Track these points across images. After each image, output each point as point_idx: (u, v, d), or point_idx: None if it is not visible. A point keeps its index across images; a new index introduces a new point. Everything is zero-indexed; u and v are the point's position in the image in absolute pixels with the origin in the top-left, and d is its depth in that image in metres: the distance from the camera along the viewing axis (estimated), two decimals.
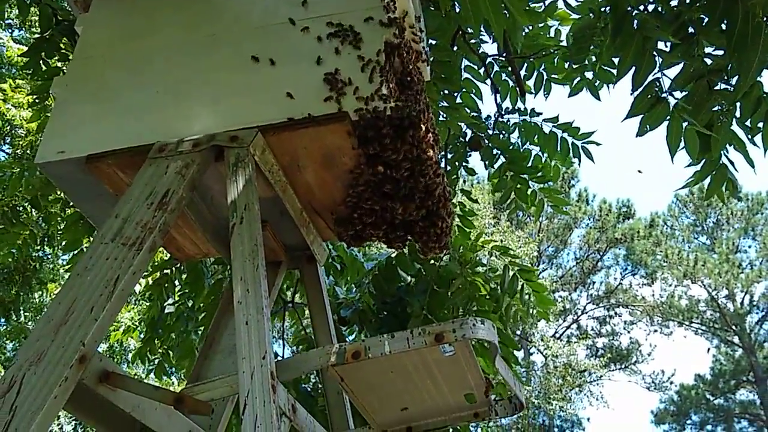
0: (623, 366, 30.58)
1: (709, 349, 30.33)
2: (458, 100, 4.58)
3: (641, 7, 2.91)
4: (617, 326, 31.27)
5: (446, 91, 4.29)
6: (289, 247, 2.67)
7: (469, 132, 4.98)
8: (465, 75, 4.61)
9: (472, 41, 4.55)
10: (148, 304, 5.87)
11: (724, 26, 2.67)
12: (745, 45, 2.54)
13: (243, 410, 1.55)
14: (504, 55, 4.75)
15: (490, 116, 5.03)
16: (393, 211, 2.26)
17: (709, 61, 2.82)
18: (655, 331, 31.22)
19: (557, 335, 29.58)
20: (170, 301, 5.29)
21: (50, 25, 4.12)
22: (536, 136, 4.85)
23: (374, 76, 2.11)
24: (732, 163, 2.97)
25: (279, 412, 1.61)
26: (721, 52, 2.78)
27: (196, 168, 2.04)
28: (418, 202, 2.25)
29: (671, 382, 31.15)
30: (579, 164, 4.81)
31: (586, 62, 3.88)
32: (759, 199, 30.79)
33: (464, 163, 5.14)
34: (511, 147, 4.88)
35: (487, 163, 4.95)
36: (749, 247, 31.08)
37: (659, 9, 2.94)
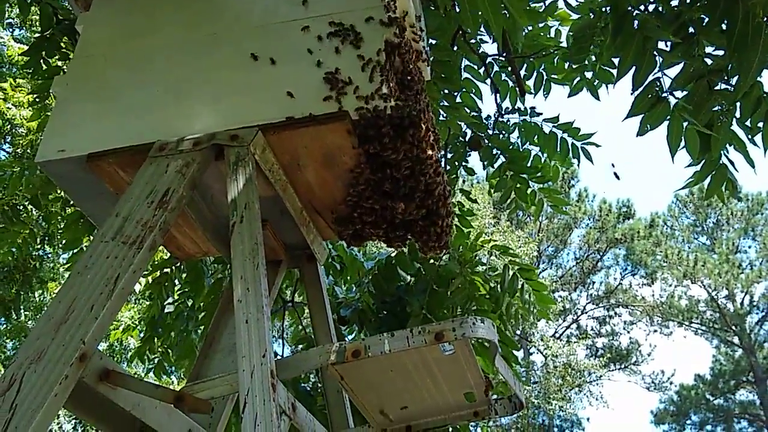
0: (623, 366, 30.58)
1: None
2: (458, 100, 4.58)
3: (641, 7, 2.91)
4: (617, 326, 31.30)
5: (446, 91, 4.29)
6: (289, 246, 2.67)
7: (468, 132, 4.98)
8: (465, 75, 4.61)
9: (472, 41, 4.55)
10: (148, 303, 5.87)
11: (724, 26, 2.67)
12: (746, 45, 2.54)
13: (243, 409, 1.56)
14: (504, 55, 4.75)
15: (490, 116, 5.03)
16: (393, 211, 2.26)
17: (709, 61, 2.82)
18: (655, 331, 31.25)
19: (557, 335, 29.59)
20: (170, 300, 5.29)
21: (51, 24, 4.12)
22: (536, 136, 4.85)
23: (375, 76, 2.11)
24: (732, 163, 2.97)
25: (279, 411, 1.61)
26: (721, 52, 2.78)
27: (196, 167, 2.04)
28: (418, 201, 2.25)
29: (671, 382, 31.18)
30: (578, 165, 4.82)
31: (586, 62, 3.89)
32: (759, 199, 30.78)
33: (464, 163, 5.14)
34: (510, 147, 4.88)
35: (486, 163, 4.96)
36: (749, 247, 31.12)
37: (659, 9, 2.94)
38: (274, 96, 2.14)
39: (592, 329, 31.09)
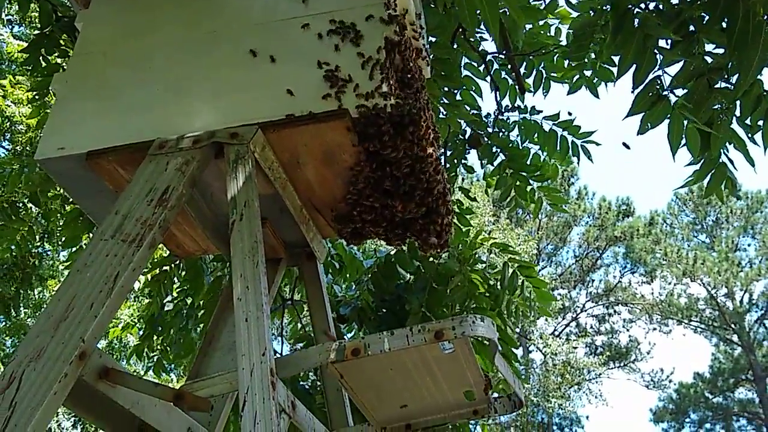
0: (622, 364, 30.61)
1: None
2: (458, 98, 4.58)
3: (642, 5, 2.91)
4: (616, 324, 31.32)
5: (446, 89, 4.29)
6: (289, 244, 2.67)
7: (468, 130, 4.98)
8: (465, 72, 4.60)
9: (473, 39, 4.55)
10: (147, 300, 5.87)
11: (724, 24, 2.67)
12: (746, 43, 2.54)
13: (242, 407, 1.56)
14: (504, 52, 4.75)
15: (489, 114, 5.03)
16: (393, 209, 2.26)
17: (709, 59, 2.82)
18: (654, 329, 31.28)
19: (556, 333, 29.61)
20: (169, 298, 5.29)
21: (50, 22, 4.11)
22: (536, 134, 4.85)
23: (375, 74, 2.11)
24: (731, 161, 2.97)
25: (278, 409, 1.61)
26: (721, 51, 2.77)
27: (196, 165, 2.04)
28: (418, 199, 2.25)
29: (670, 381, 31.20)
30: (578, 163, 4.81)
31: (586, 60, 3.88)
32: (758, 197, 30.79)
33: (463, 161, 5.14)
34: (510, 145, 4.87)
35: (484, 161, 4.95)
36: (748, 245, 31.12)
37: (660, 7, 2.94)
38: (274, 94, 2.13)
39: (591, 327, 31.14)
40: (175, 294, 5.30)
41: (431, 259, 4.07)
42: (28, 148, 9.07)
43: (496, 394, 2.43)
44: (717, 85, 2.83)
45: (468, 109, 4.64)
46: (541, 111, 4.83)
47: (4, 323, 13.19)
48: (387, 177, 2.19)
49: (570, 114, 4.73)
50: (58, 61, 4.25)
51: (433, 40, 3.83)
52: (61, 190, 4.83)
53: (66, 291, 1.76)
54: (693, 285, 30.59)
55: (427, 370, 2.11)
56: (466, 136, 4.99)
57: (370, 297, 4.23)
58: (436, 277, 4.04)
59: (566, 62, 4.55)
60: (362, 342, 1.89)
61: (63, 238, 4.69)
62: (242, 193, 1.94)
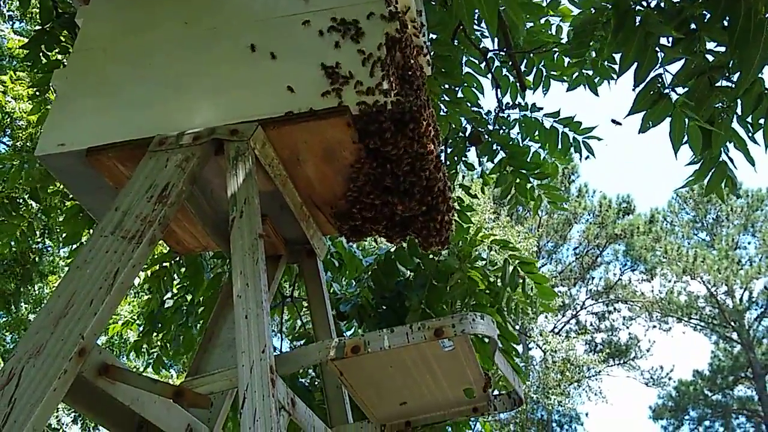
0: (622, 361, 30.63)
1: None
2: (459, 95, 4.57)
3: (643, 3, 2.90)
4: (616, 322, 31.34)
5: (447, 86, 4.28)
6: (289, 241, 2.67)
7: (468, 127, 4.97)
8: (466, 69, 4.60)
9: (474, 35, 4.54)
10: (146, 296, 5.87)
11: (725, 22, 2.66)
12: (747, 41, 2.54)
13: (242, 404, 1.56)
14: (504, 49, 4.74)
15: (490, 111, 5.02)
16: (393, 206, 2.26)
17: (710, 58, 2.81)
18: (654, 326, 31.30)
19: (556, 330, 29.63)
20: (169, 294, 5.28)
21: (51, 18, 4.11)
22: (537, 132, 4.84)
23: (375, 71, 2.11)
24: (731, 160, 2.96)
25: (278, 406, 1.61)
26: (722, 49, 2.77)
27: (196, 161, 2.03)
28: (418, 197, 2.25)
29: (670, 378, 31.22)
30: (581, 159, 4.80)
31: (585, 58, 3.87)
32: (759, 195, 30.78)
33: (463, 158, 5.14)
34: (511, 143, 4.87)
35: (485, 159, 4.95)
36: (749, 243, 31.13)
37: (661, 5, 2.93)
38: (274, 90, 2.13)
39: (591, 324, 31.15)
40: (175, 290, 5.30)
41: (431, 256, 4.07)
42: (28, 144, 9.07)
43: (495, 392, 2.43)
44: (718, 84, 2.82)
45: (469, 105, 4.63)
46: (542, 108, 4.83)
47: (4, 319, 13.20)
48: (387, 174, 2.19)
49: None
50: (59, 57, 4.25)
51: (434, 37, 3.83)
52: (61, 186, 4.82)
53: (66, 287, 1.76)
54: (693, 283, 30.64)
55: (426, 368, 2.11)
56: (467, 134, 4.98)
57: (370, 294, 4.23)
58: (436, 274, 4.04)
59: (566, 60, 4.55)
60: (362, 339, 1.89)
61: (64, 235, 4.69)
62: (242, 189, 1.94)
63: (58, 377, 1.57)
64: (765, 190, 30.75)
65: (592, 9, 3.43)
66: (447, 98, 4.36)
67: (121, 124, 2.19)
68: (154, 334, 5.36)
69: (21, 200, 5.80)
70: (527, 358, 27.56)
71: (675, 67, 2.86)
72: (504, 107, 4.97)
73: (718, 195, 3.06)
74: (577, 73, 4.37)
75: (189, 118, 2.15)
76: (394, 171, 2.18)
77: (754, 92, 2.76)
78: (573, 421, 29.77)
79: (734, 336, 30.03)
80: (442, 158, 4.47)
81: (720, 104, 2.84)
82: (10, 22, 12.86)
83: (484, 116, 4.95)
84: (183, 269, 5.12)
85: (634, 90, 2.87)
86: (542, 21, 4.56)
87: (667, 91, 2.86)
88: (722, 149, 2.93)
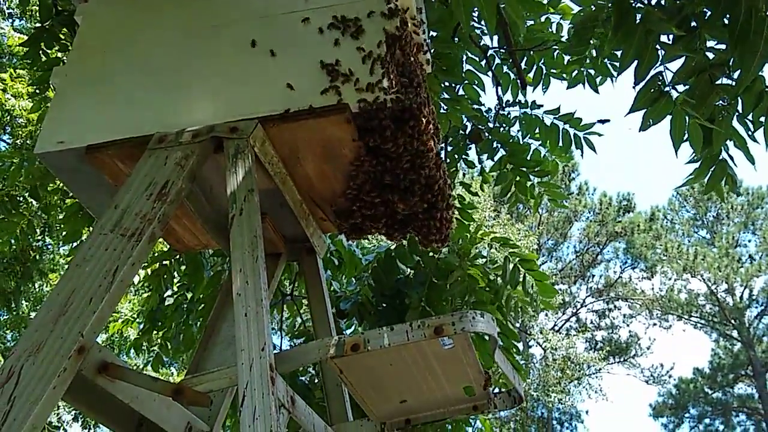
0: (622, 359, 30.65)
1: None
2: (460, 92, 4.57)
3: (644, 0, 2.89)
4: (616, 319, 31.37)
5: (447, 83, 4.28)
6: (289, 239, 2.67)
7: (469, 125, 4.96)
8: (467, 67, 4.59)
9: (473, 33, 4.53)
10: (146, 294, 5.87)
11: (726, 20, 2.66)
12: (747, 39, 2.53)
13: (242, 402, 1.55)
14: (504, 47, 4.73)
15: (490, 109, 5.02)
16: (393, 204, 2.25)
17: (711, 55, 2.81)
18: (654, 324, 31.32)
19: (556, 328, 29.64)
20: (169, 292, 5.29)
21: (50, 15, 4.11)
22: (537, 129, 4.84)
23: (375, 68, 2.10)
24: (732, 158, 2.96)
25: (278, 404, 1.61)
26: (723, 46, 2.76)
27: (195, 159, 2.03)
28: (419, 194, 2.24)
29: (670, 376, 31.25)
30: (582, 155, 4.80)
31: (586, 55, 3.87)
32: (759, 193, 30.79)
33: (464, 156, 5.13)
34: (511, 140, 4.86)
35: (483, 157, 4.95)
36: (749, 241, 31.14)
37: (662, 2, 2.93)
38: (274, 88, 2.13)
39: (591, 322, 31.18)
40: (174, 288, 5.30)
41: (431, 253, 4.06)
42: (28, 141, 9.07)
43: (496, 389, 2.43)
44: (719, 81, 2.82)
45: (470, 103, 4.63)
46: (542, 105, 4.82)
47: (4, 317, 13.21)
48: (387, 172, 2.19)
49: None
50: (58, 55, 4.25)
51: (434, 34, 3.82)
52: (61, 184, 4.82)
53: (65, 285, 1.75)
54: (693, 281, 30.67)
55: (426, 366, 2.10)
56: (467, 131, 4.98)
57: (369, 292, 4.23)
58: (436, 271, 4.04)
59: (566, 58, 4.54)
60: (362, 337, 1.89)
61: (64, 233, 4.69)
62: (242, 187, 1.94)
63: (57, 375, 1.57)
64: (765, 188, 30.78)
65: (592, 6, 3.42)
66: (447, 96, 4.35)
67: (121, 121, 2.18)
68: (154, 332, 5.37)
69: (21, 198, 5.80)
70: (527, 356, 27.58)
71: (675, 65, 2.86)
72: (504, 105, 4.97)
73: (718, 193, 3.06)
74: (577, 71, 4.36)
75: (188, 115, 2.14)
76: (394, 169, 2.18)
77: (755, 90, 2.75)
78: (573, 419, 29.81)
79: (734, 334, 30.05)
80: (442, 156, 4.47)
81: (720, 102, 2.84)
82: (10, 20, 12.85)
83: (485, 114, 4.94)
84: (183, 267, 5.12)
85: (634, 88, 2.86)
86: (542, 18, 4.56)
87: (667, 88, 2.85)
88: (722, 147, 2.92)
